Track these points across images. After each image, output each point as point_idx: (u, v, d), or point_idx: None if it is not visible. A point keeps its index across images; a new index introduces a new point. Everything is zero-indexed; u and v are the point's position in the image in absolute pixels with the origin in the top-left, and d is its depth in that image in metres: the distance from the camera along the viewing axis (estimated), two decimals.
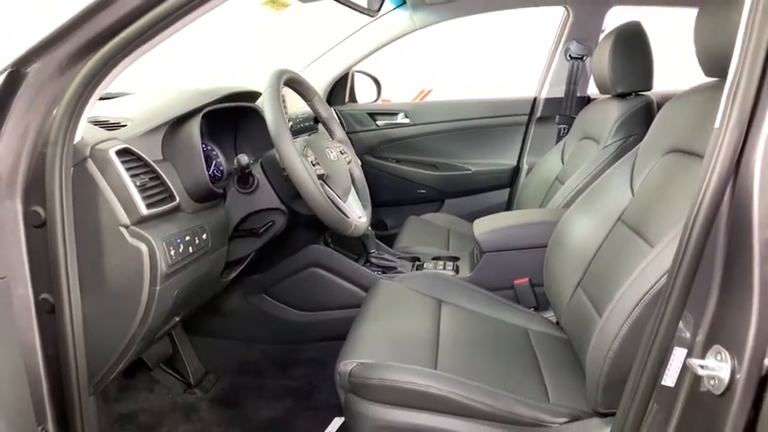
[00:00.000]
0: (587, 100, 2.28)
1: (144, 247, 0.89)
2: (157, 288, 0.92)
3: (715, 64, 0.98)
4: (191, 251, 1.01)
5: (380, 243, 1.76)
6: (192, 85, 1.20)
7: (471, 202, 2.44)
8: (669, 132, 1.17)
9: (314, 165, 1.13)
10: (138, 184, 0.91)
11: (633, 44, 1.74)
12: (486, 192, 2.45)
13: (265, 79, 1.10)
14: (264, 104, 1.06)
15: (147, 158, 0.96)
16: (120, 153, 0.91)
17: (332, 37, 2.24)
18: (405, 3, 2.10)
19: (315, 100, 1.33)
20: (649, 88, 1.78)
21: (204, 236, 1.06)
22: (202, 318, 1.60)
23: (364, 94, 2.53)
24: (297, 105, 1.70)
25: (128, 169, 0.91)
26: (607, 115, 1.80)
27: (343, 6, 1.62)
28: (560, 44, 2.23)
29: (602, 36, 2.11)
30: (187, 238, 1.00)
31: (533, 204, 2.10)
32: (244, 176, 1.16)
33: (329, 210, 1.09)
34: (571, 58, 2.21)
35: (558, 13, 2.20)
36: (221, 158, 1.39)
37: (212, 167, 1.33)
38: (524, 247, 1.59)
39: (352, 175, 1.35)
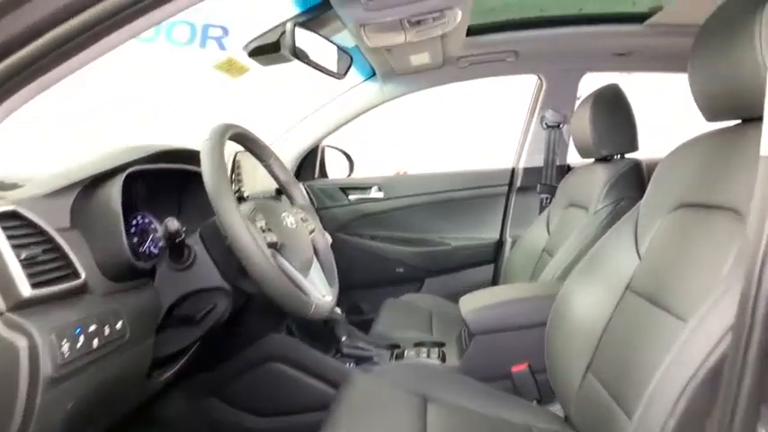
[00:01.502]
0: (567, 168, 2.18)
1: (22, 342, 0.66)
2: (38, 400, 0.67)
3: (720, 108, 0.92)
4: (96, 345, 0.76)
5: (353, 329, 1.52)
6: (119, 143, 1.02)
7: (454, 281, 2.24)
8: (674, 187, 1.05)
9: (263, 231, 0.93)
10: (23, 257, 0.69)
11: (614, 106, 1.68)
12: (469, 268, 2.26)
13: (206, 133, 0.93)
14: (202, 157, 0.88)
15: (43, 225, 0.75)
16: (2, 217, 0.70)
17: (303, 105, 2.14)
18: (374, 74, 2.03)
19: (271, 161, 1.15)
20: (635, 149, 1.69)
21: (119, 324, 0.82)
22: (134, 431, 1.30)
23: (336, 171, 2.40)
24: (257, 180, 1.54)
25: (11, 237, 0.69)
26: (593, 180, 1.69)
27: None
28: (535, 112, 2.17)
29: (577, 103, 2.07)
30: (92, 327, 0.76)
31: (522, 279, 1.92)
32: (176, 248, 0.95)
33: (281, 286, 0.87)
34: (547, 126, 2.14)
35: (531, 81, 2.16)
36: (160, 233, 1.19)
37: (147, 243, 1.11)
38: (520, 327, 1.37)
39: (315, 246, 1.15)
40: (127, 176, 0.94)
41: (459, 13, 1.35)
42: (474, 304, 1.42)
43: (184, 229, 0.93)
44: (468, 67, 1.95)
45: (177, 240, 0.92)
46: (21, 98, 0.67)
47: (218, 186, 0.86)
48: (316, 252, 1.15)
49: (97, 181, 0.89)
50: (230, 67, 1.41)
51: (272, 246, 0.93)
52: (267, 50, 1.39)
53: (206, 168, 0.87)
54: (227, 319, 1.03)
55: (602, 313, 1.06)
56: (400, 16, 1.29)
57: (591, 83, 1.98)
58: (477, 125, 4.62)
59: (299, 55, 1.34)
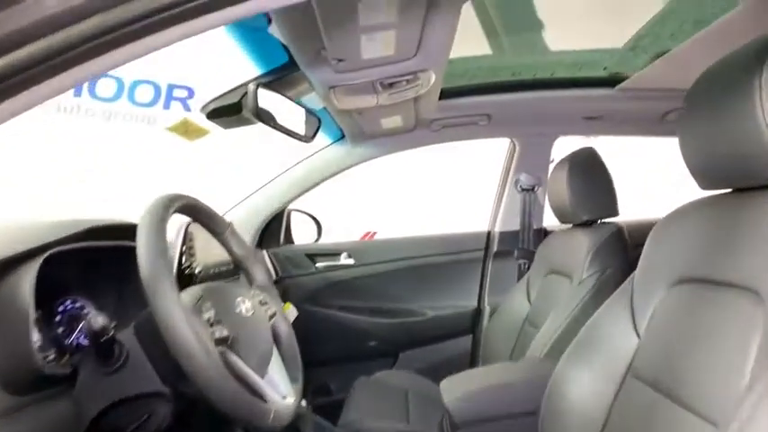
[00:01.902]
0: (544, 232, 2.11)
1: None
2: None
3: (718, 176, 0.87)
4: None
5: (322, 422, 1.33)
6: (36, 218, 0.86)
7: (430, 354, 2.08)
8: (671, 259, 0.95)
9: (211, 324, 0.77)
10: None
11: (590, 170, 1.64)
12: (446, 340, 2.11)
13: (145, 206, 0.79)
14: (138, 235, 0.73)
15: None
16: None
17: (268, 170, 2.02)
18: (343, 137, 1.95)
19: (227, 234, 1.01)
20: (615, 214, 1.63)
21: None
22: None
23: (303, 236, 2.26)
24: (213, 252, 1.38)
25: None
26: (574, 247, 1.61)
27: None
28: (509, 176, 2.12)
29: (551, 166, 2.02)
30: None
31: (503, 354, 1.78)
32: (104, 347, 0.78)
33: (232, 393, 0.71)
34: (522, 189, 2.09)
35: (504, 143, 2.12)
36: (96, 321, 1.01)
37: (75, 334, 0.94)
38: (509, 416, 1.23)
39: (276, 335, 0.99)
40: (58, 253, 0.79)
41: (433, 76, 1.29)
42: (457, 391, 1.26)
43: (113, 324, 0.76)
44: (441, 130, 1.90)
45: (103, 339, 0.75)
46: None
47: (154, 271, 0.71)
48: (277, 341, 0.99)
49: (5, 267, 0.73)
50: (186, 129, 1.29)
51: (221, 342, 0.77)
52: (228, 112, 1.28)
53: (141, 249, 0.72)
54: (168, 431, 0.84)
55: (602, 402, 0.96)
56: (372, 79, 1.21)
57: (565, 146, 1.95)
58: (450, 186, 4.60)
59: (263, 117, 1.24)
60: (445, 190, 4.64)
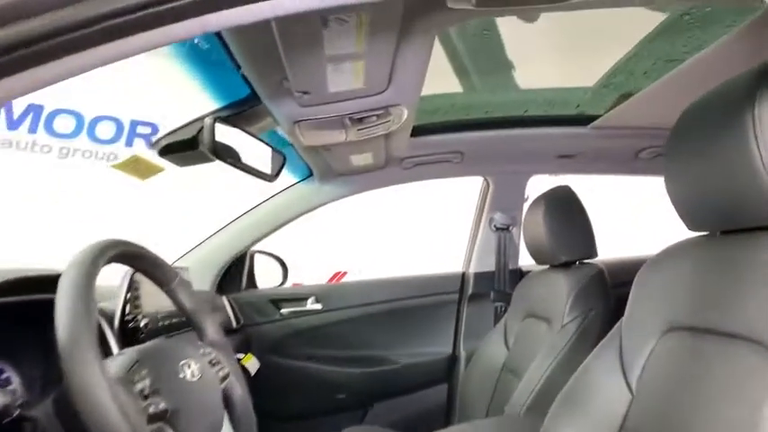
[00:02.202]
0: (520, 273, 2.05)
1: None
2: None
3: (709, 217, 0.82)
4: None
5: None
6: None
7: (403, 406, 1.94)
8: (661, 304, 0.89)
9: (146, 396, 0.65)
10: None
11: (568, 209, 1.59)
12: (420, 390, 1.98)
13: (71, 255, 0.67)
14: (58, 291, 0.61)
15: None
16: None
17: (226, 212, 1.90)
18: (311, 175, 1.86)
19: (175, 285, 0.89)
20: (594, 255, 1.57)
21: None
22: None
23: (267, 279, 2.12)
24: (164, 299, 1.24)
25: None
26: (553, 289, 1.54)
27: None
28: (483, 215, 2.06)
29: (526, 204, 1.98)
30: None
31: (481, 406, 1.67)
32: (15, 426, 0.64)
33: None
34: (497, 228, 2.02)
35: (477, 182, 2.07)
36: (16, 383, 0.87)
37: None
38: None
39: (228, 400, 0.86)
40: None
41: (405, 112, 1.22)
42: None
43: (20, 402, 0.63)
44: (413, 168, 1.83)
45: (5, 421, 0.61)
46: None
47: (73, 335, 0.58)
48: (229, 407, 0.86)
49: None
50: (137, 167, 1.18)
51: (156, 418, 0.64)
52: (183, 148, 1.18)
53: (60, 308, 0.60)
54: None
55: None
56: (340, 114, 1.13)
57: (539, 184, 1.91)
58: (423, 223, 4.53)
59: (221, 154, 1.14)
60: (418, 227, 4.57)
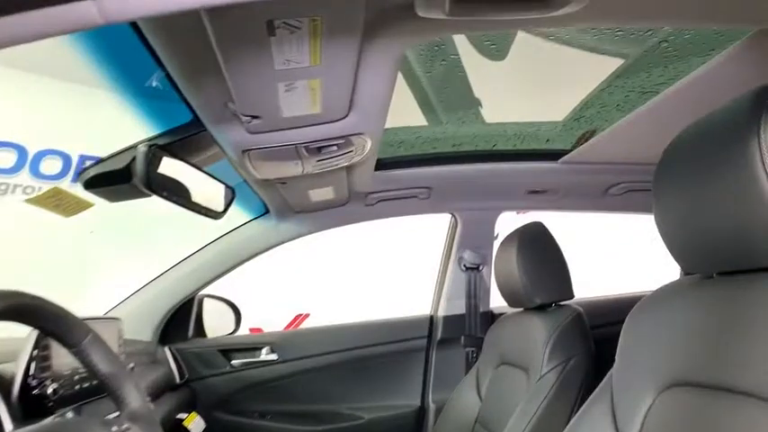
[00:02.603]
0: (492, 316, 1.93)
1: None
2: None
3: (708, 257, 0.74)
4: None
5: None
6: None
7: None
8: (658, 356, 0.79)
9: None
10: None
11: (541, 248, 1.50)
12: None
13: None
14: None
15: None
16: None
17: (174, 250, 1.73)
18: (267, 211, 1.72)
19: (85, 344, 0.72)
20: (570, 296, 1.47)
21: None
22: None
23: (217, 327, 1.93)
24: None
25: None
26: (529, 335, 1.43)
27: None
28: (452, 253, 1.95)
29: (496, 243, 1.89)
30: None
31: None
32: None
33: None
34: (466, 268, 1.92)
35: (445, 219, 1.97)
36: None
37: None
38: None
39: None
40: None
41: (369, 143, 1.11)
42: None
43: None
44: (377, 205, 1.71)
45: None
46: None
47: None
48: None
49: None
50: (58, 202, 1.01)
51: None
52: (112, 180, 1.02)
53: None
54: None
55: None
56: (295, 142, 1.01)
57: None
58: (390, 262, 4.39)
59: (157, 187, 0.99)
60: (386, 265, 4.43)
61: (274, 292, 4.22)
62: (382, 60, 0.76)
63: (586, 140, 1.50)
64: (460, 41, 1.12)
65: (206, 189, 1.12)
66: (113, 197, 1.09)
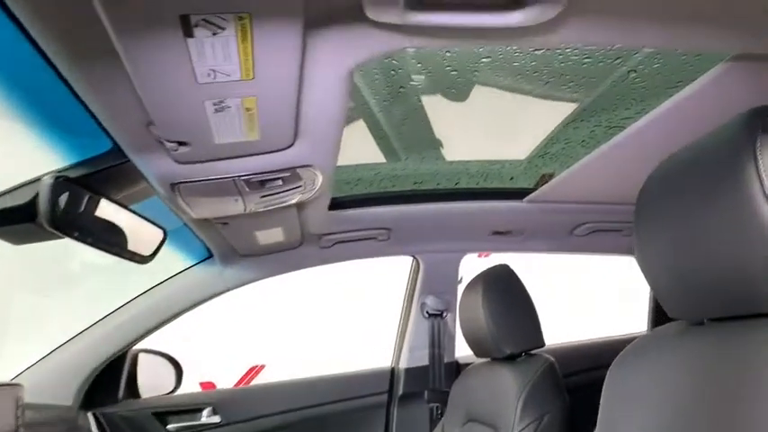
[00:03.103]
0: (457, 366, 1.80)
1: None
2: None
3: (699, 302, 0.66)
4: None
5: None
6: None
7: None
8: (647, 414, 0.70)
9: None
10: None
11: (509, 292, 1.41)
12: None
13: None
14: None
15: None
16: None
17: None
18: (211, 256, 1.56)
19: None
20: (541, 344, 1.37)
21: None
22: None
23: (153, 386, 1.71)
24: None
25: None
26: (498, 388, 1.31)
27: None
28: (414, 299, 1.82)
29: (460, 287, 1.78)
30: None
31: None
32: None
33: None
34: (429, 315, 1.79)
35: (406, 262, 1.85)
36: None
37: None
38: None
39: None
40: None
41: (320, 177, 0.99)
42: None
43: None
44: (333, 248, 1.59)
45: None
46: None
47: None
48: None
49: None
50: None
51: None
52: (13, 219, 0.86)
53: None
54: None
55: None
56: (232, 174, 0.88)
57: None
58: (348, 317, 4.21)
59: (66, 226, 0.84)
60: (345, 312, 4.25)
61: (228, 342, 3.97)
62: (329, 76, 0.66)
63: (551, 178, 1.44)
64: (419, 78, 1.05)
65: (131, 229, 0.97)
66: (17, 239, 0.93)
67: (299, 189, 1.01)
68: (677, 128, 1.03)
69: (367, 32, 0.57)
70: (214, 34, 0.51)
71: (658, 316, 2.02)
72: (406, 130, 1.34)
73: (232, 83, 0.60)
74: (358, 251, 1.64)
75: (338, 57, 0.62)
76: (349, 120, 1.13)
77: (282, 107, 0.70)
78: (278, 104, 0.69)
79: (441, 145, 1.41)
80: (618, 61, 0.89)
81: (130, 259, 1.01)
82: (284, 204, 1.08)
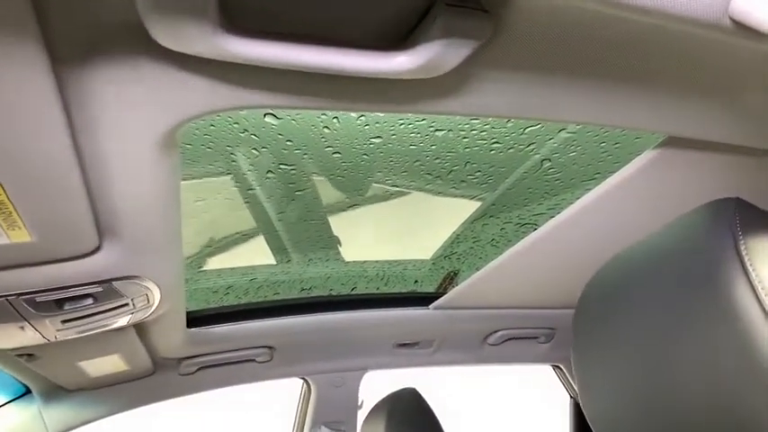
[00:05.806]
0: None
1: None
2: None
3: None
4: None
5: None
6: None
7: None
8: None
9: None
10: None
11: (417, 419, 1.14)
12: None
13: None
14: None
15: None
16: None
17: None
18: (29, 392, 1.15)
19: None
20: None
21: None
22: None
23: None
24: None
25: None
26: None
27: None
28: (305, 430, 1.49)
29: (361, 413, 1.49)
30: None
31: None
32: None
33: None
34: None
35: (296, 385, 1.53)
36: None
37: None
38: None
39: None
40: None
41: (157, 292, 0.72)
42: None
43: None
44: (198, 374, 1.25)
45: None
46: None
47: None
48: None
49: None
50: None
51: None
52: None
53: None
54: None
55: None
56: (9, 293, 0.59)
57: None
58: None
59: None
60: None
61: None
62: (134, 142, 0.42)
63: (459, 281, 1.27)
64: (297, 154, 0.85)
65: None
66: None
67: (126, 309, 0.72)
68: (599, 224, 0.91)
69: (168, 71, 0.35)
70: None
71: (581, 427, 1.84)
72: (288, 222, 1.12)
73: None
74: (231, 377, 1.31)
75: (139, 112, 0.39)
76: (206, 208, 0.89)
77: (55, 191, 0.44)
78: (46, 187, 0.43)
79: (336, 250, 1.20)
80: (531, 147, 0.75)
81: None
82: (108, 329, 0.77)
